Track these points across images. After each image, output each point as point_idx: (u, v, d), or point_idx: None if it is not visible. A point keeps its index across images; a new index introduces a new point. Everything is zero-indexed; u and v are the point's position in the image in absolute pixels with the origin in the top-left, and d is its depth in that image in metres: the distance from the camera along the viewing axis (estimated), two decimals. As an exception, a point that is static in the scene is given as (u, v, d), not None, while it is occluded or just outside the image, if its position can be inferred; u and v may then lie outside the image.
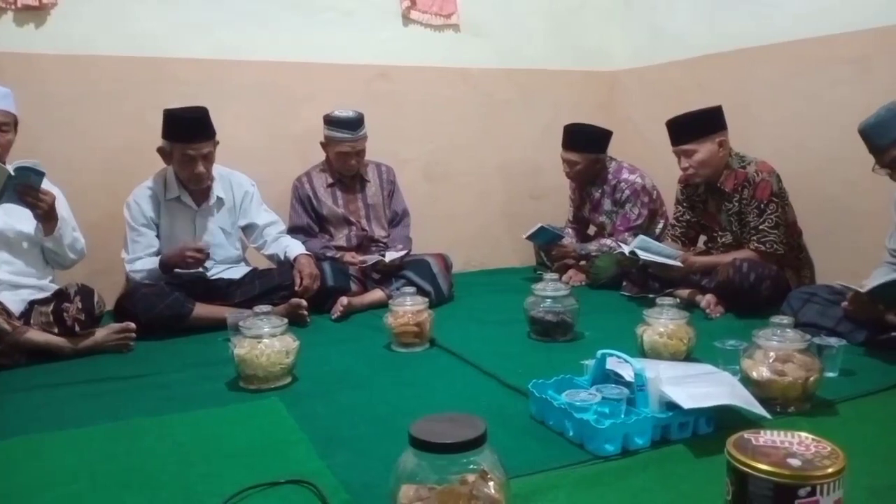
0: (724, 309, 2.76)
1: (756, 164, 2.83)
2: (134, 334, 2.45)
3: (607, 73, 4.20)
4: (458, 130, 3.87)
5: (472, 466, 1.09)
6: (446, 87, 3.80)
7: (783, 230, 2.80)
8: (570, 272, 3.49)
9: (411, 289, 2.54)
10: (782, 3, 3.12)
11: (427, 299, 2.50)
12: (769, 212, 2.77)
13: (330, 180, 3.23)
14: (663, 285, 3.01)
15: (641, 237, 2.93)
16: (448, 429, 1.11)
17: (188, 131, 2.68)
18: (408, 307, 2.39)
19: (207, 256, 2.73)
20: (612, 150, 3.54)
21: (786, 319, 1.81)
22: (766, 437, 1.12)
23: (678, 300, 2.80)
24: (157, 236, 2.82)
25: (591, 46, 4.16)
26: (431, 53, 3.75)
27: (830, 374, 1.97)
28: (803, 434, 1.12)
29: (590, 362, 1.84)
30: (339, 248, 3.17)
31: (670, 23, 3.77)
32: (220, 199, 2.90)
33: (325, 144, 3.18)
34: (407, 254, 3.13)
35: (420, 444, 1.09)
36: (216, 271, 2.86)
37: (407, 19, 3.69)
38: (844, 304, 2.27)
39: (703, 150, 2.82)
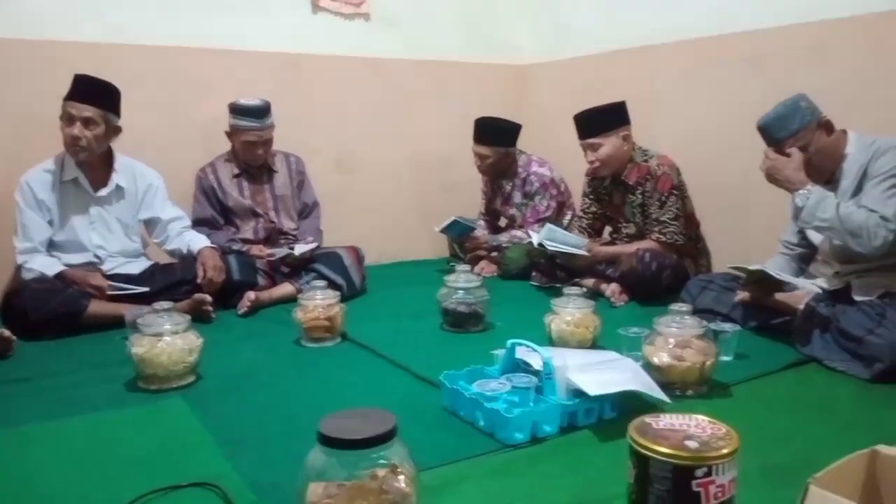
0: (627, 297, 2.86)
1: (658, 158, 2.95)
2: (12, 343, 2.25)
3: (517, 67, 4.25)
4: (370, 121, 3.83)
5: (381, 461, 1.08)
6: (357, 76, 3.75)
7: (683, 221, 2.92)
8: (482, 263, 3.53)
9: (322, 282, 2.50)
10: (683, 2, 3.25)
11: (338, 293, 2.47)
12: (670, 204, 2.89)
13: (236, 171, 3.13)
14: (570, 275, 3.09)
15: (549, 226, 2.99)
16: (357, 424, 1.09)
17: (78, 89, 2.57)
18: (318, 301, 2.35)
19: (104, 294, 2.59)
20: (522, 143, 3.60)
21: (684, 307, 1.89)
22: (665, 421, 1.17)
23: (585, 289, 2.90)
24: (50, 222, 2.65)
25: (502, 40, 4.21)
26: (342, 42, 3.69)
27: (726, 358, 2.07)
28: (700, 416, 1.17)
29: (500, 352, 1.86)
30: (245, 241, 3.08)
31: (577, 18, 3.86)
32: (120, 188, 2.76)
33: (231, 133, 3.07)
34: (317, 246, 3.08)
35: (328, 441, 1.07)
36: (112, 265, 2.72)
37: (316, 7, 3.61)
38: (739, 294, 2.39)
39: (609, 143, 2.91)
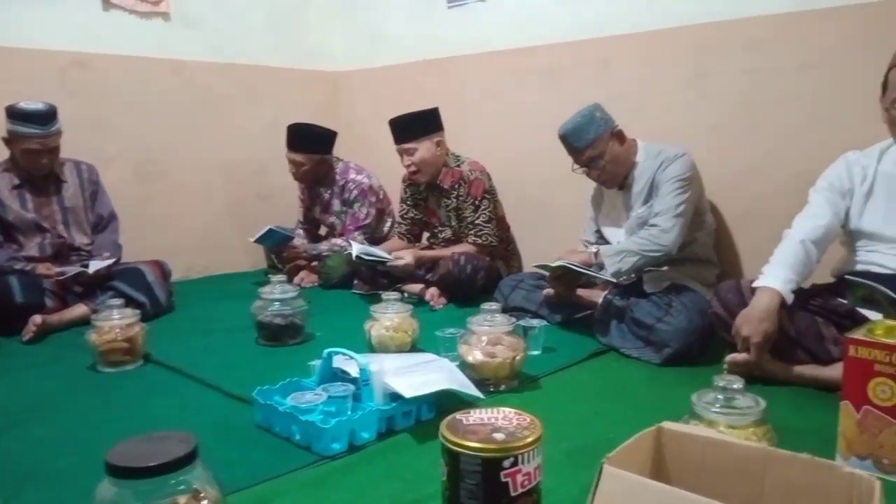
0: (446, 300, 2.92)
1: (469, 164, 3.06)
2: None
3: (331, 73, 4.21)
4: (174, 126, 3.59)
5: (181, 487, 1.00)
6: (157, 79, 3.51)
7: (495, 224, 3.05)
8: (302, 273, 3.45)
9: (119, 301, 2.29)
10: (487, 15, 3.39)
11: (139, 311, 2.28)
12: (483, 207, 3.00)
13: (16, 181, 2.79)
14: (392, 281, 3.10)
15: (359, 246, 2.98)
16: (152, 450, 1.01)
17: None
18: (115, 321, 2.15)
19: None
20: (340, 150, 3.56)
21: (495, 305, 1.96)
22: (475, 416, 1.19)
23: (405, 294, 2.92)
24: None
25: (314, 46, 4.15)
26: (138, 42, 3.43)
27: (535, 352, 2.18)
28: (507, 409, 1.20)
29: (316, 363, 1.81)
30: (30, 259, 2.75)
31: (389, 27, 3.90)
32: None
33: (9, 141, 2.73)
34: (115, 262, 2.82)
35: (117, 471, 0.97)
36: None
37: (108, 3, 3.32)
38: (546, 290, 2.54)
39: (423, 148, 2.97)
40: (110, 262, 2.77)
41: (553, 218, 3.21)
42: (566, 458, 1.45)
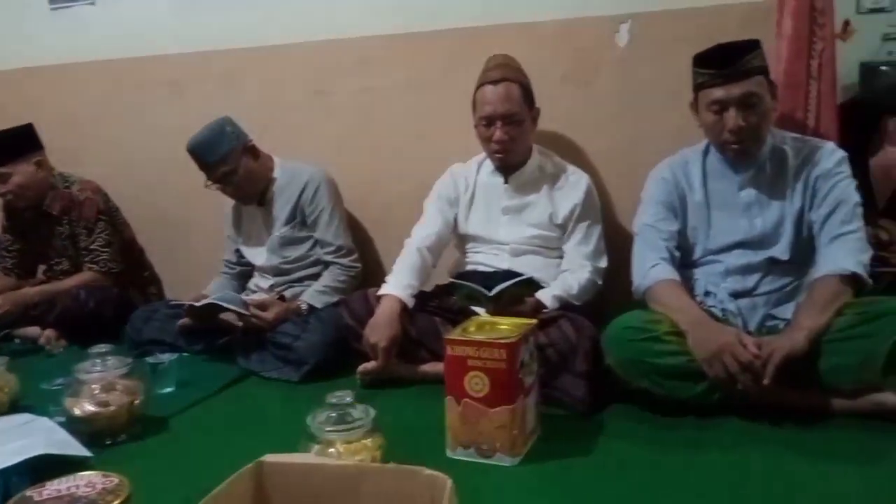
0: (66, 342, 2.56)
1: (80, 184, 2.75)
2: None
3: None
4: None
5: None
6: None
7: (117, 248, 2.76)
8: None
9: None
10: (97, 20, 3.05)
11: None
12: (98, 230, 2.71)
13: None
14: (2, 326, 2.62)
15: None
16: None
17: None
18: None
19: None
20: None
21: (105, 347, 1.76)
22: (50, 489, 1.04)
23: (18, 341, 2.51)
24: None
25: None
26: None
27: (168, 390, 2.02)
28: (90, 473, 1.07)
29: None
30: None
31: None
32: None
33: None
34: None
35: None
36: None
37: None
38: (182, 321, 2.37)
39: (20, 173, 2.61)
40: None
41: (192, 237, 3.01)
42: (186, 505, 1.33)
